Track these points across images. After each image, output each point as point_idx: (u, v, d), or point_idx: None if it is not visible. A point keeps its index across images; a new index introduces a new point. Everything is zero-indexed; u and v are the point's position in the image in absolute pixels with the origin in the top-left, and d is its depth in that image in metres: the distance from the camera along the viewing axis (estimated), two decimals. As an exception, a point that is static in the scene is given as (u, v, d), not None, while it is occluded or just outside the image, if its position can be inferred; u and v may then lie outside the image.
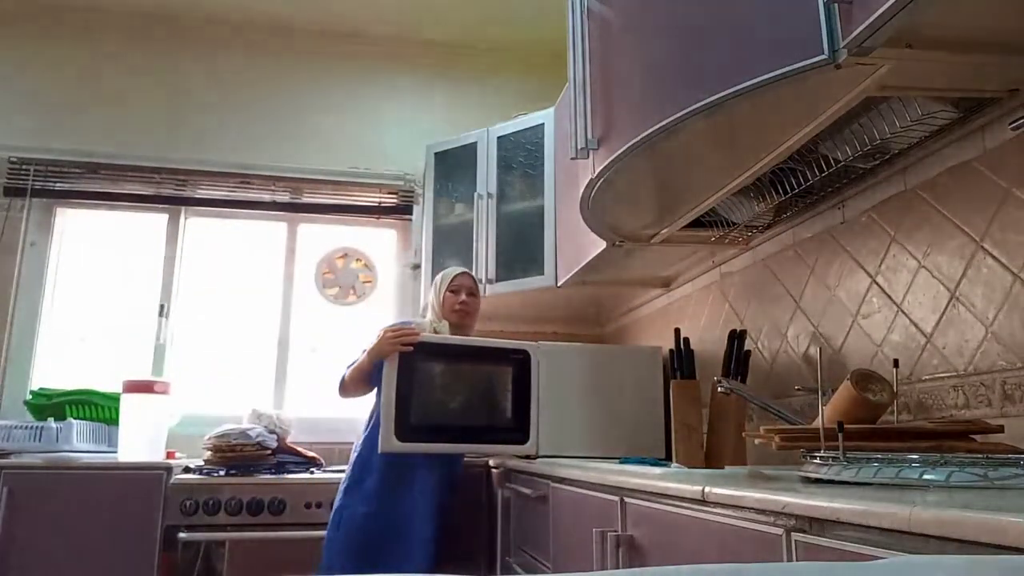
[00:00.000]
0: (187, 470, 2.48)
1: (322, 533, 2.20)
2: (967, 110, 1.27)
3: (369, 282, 3.36)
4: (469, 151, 2.99)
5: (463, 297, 2.38)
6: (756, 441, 1.20)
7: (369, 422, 2.31)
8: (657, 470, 1.49)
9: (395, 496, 2.17)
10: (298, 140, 3.36)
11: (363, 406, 2.37)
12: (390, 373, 2.05)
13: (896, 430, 1.18)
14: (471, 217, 2.90)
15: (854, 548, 0.70)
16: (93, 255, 3.22)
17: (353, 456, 2.28)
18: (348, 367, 2.28)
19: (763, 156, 1.48)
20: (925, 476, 0.82)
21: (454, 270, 2.46)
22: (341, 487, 2.24)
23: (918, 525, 0.61)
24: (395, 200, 3.40)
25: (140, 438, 2.56)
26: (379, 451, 2.03)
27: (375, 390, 2.29)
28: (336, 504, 2.22)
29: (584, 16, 1.72)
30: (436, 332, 2.30)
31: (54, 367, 3.06)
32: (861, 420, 1.22)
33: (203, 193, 3.27)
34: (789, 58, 1.09)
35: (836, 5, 1.02)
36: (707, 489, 0.98)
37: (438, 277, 2.46)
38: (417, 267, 3.28)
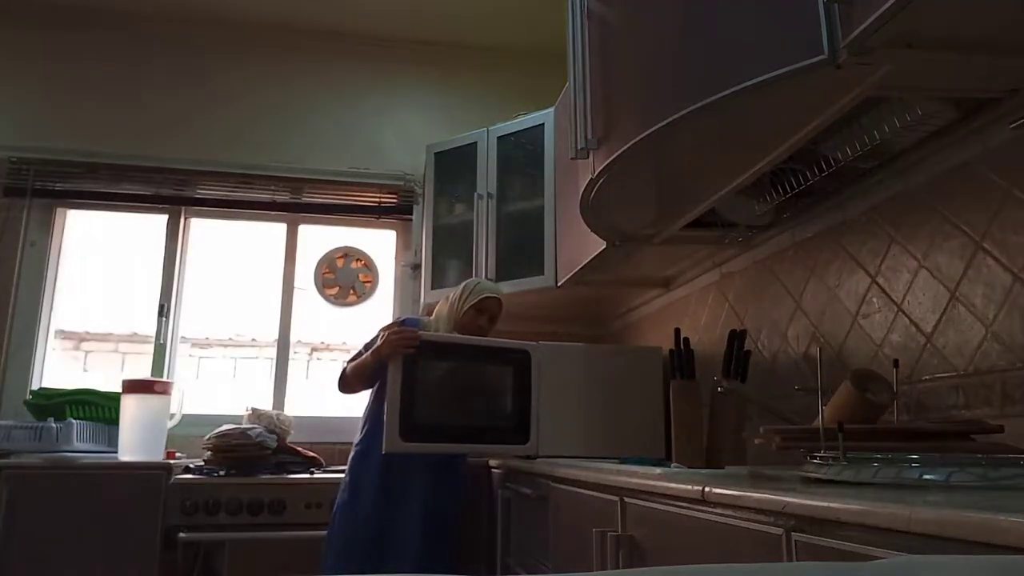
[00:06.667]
0: (187, 470, 2.48)
1: (323, 533, 2.20)
2: (967, 110, 1.27)
3: (369, 282, 3.36)
4: (469, 151, 2.99)
5: (482, 322, 2.29)
6: (756, 441, 1.20)
7: (364, 425, 2.30)
8: (657, 470, 1.49)
9: (390, 501, 2.16)
10: (298, 140, 3.36)
11: (363, 405, 2.37)
12: (395, 373, 2.04)
13: (896, 430, 1.18)
14: (471, 217, 2.90)
15: (854, 548, 0.70)
16: (93, 255, 3.22)
17: (351, 457, 2.28)
18: (349, 361, 2.28)
19: (763, 156, 1.48)
20: (925, 476, 0.82)
21: (487, 289, 2.33)
22: (341, 488, 2.25)
23: (918, 525, 0.61)
24: (395, 200, 3.40)
25: (140, 438, 2.56)
26: (383, 451, 2.01)
27: (371, 391, 2.30)
28: (336, 503, 2.22)
29: (584, 16, 1.72)
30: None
31: (54, 367, 3.06)
32: (861, 420, 1.22)
33: (203, 193, 3.27)
34: (789, 58, 1.09)
35: (836, 5, 1.02)
36: (707, 489, 0.98)
37: (468, 286, 2.34)
38: (417, 267, 3.28)
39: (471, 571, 2.38)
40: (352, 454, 2.28)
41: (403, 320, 2.35)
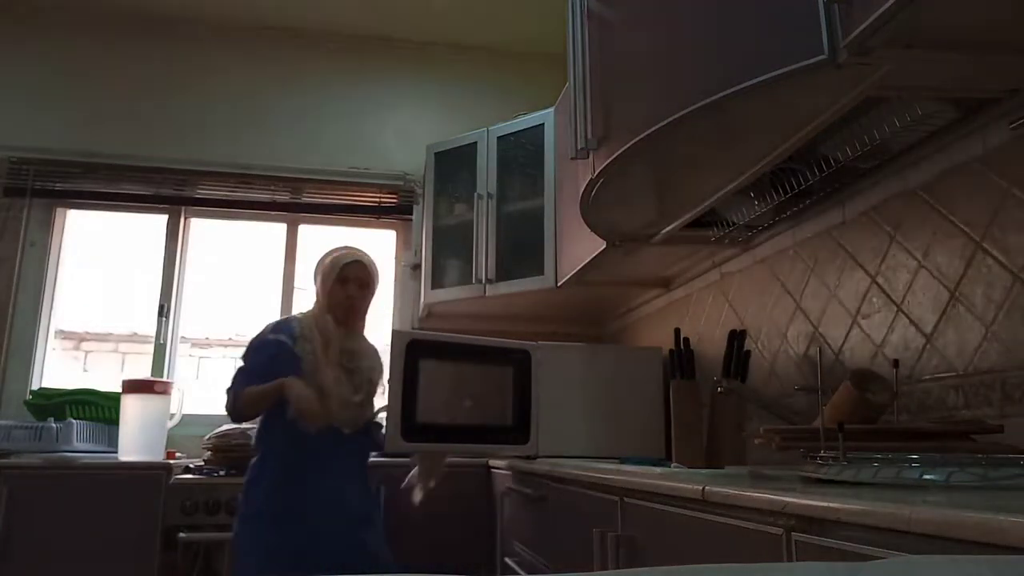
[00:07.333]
0: (187, 470, 2.48)
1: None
2: (967, 110, 1.27)
3: (369, 282, 3.35)
4: (469, 151, 2.99)
5: (351, 291, 2.11)
6: (756, 441, 1.20)
7: (257, 454, 2.09)
8: (657, 470, 1.50)
9: (296, 515, 2.00)
10: (298, 140, 3.36)
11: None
12: (396, 373, 2.03)
13: (896, 430, 1.18)
14: (471, 217, 2.90)
15: (854, 548, 0.70)
16: (93, 255, 3.22)
17: (247, 481, 2.07)
18: (235, 383, 2.04)
19: (763, 156, 1.48)
20: (925, 476, 0.82)
21: (345, 256, 2.13)
22: (237, 516, 2.07)
23: (918, 525, 0.61)
24: (395, 200, 3.40)
25: (140, 438, 2.56)
26: (385, 449, 1.98)
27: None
28: (235, 530, 2.04)
29: (584, 16, 1.72)
30: (319, 331, 2.08)
31: (54, 367, 3.06)
32: (861, 420, 1.23)
33: (203, 193, 3.27)
34: (789, 58, 1.09)
35: (836, 5, 1.02)
36: (707, 489, 0.98)
37: (327, 260, 2.14)
38: (417, 267, 3.28)
39: (471, 571, 2.38)
40: (246, 480, 2.07)
41: (275, 324, 2.15)
